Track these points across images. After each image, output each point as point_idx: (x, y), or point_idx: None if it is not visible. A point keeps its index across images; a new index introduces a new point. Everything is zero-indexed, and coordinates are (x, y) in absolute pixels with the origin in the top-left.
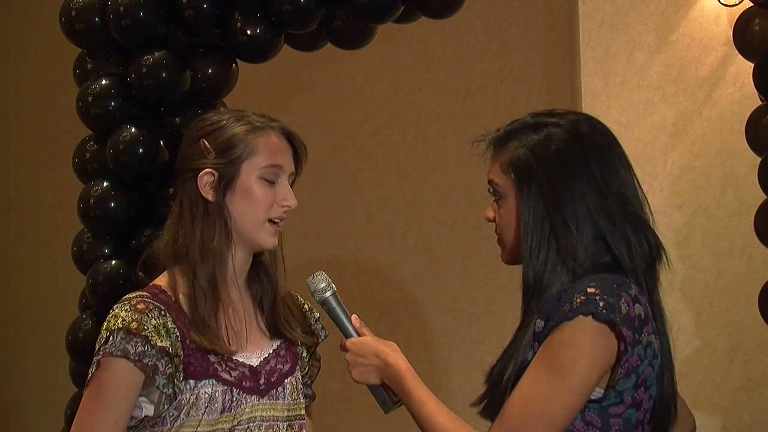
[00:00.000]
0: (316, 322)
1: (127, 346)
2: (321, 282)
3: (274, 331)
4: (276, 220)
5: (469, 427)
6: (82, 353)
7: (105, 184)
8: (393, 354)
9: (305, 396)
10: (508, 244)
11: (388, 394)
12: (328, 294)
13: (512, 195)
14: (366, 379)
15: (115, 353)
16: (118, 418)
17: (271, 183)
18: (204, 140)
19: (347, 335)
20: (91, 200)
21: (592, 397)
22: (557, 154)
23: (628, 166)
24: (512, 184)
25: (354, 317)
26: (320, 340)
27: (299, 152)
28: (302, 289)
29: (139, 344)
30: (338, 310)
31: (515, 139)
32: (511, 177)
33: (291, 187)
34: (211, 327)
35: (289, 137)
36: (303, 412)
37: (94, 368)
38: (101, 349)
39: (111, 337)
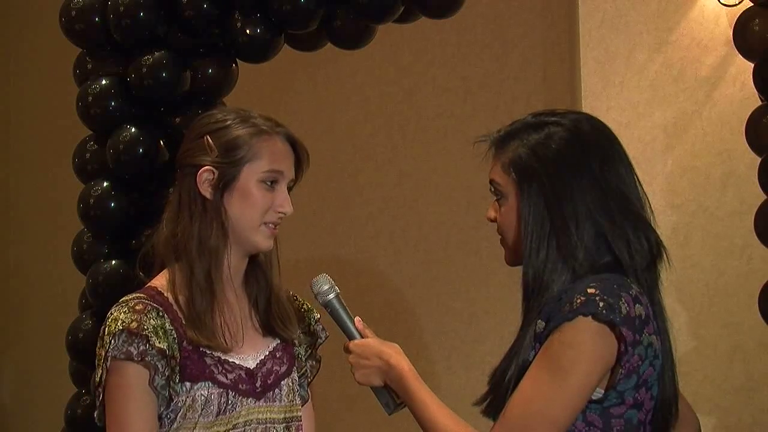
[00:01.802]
0: (315, 322)
1: (129, 347)
2: (324, 284)
3: (268, 329)
4: (271, 225)
5: (471, 428)
6: (82, 353)
7: (105, 184)
8: (396, 356)
9: (300, 397)
10: (510, 244)
11: (391, 395)
12: (331, 296)
13: (513, 194)
14: (369, 381)
15: (118, 356)
16: (147, 415)
17: (270, 188)
18: (208, 137)
19: (350, 337)
20: (91, 200)
21: (593, 398)
22: (558, 153)
23: (629, 166)
24: (513, 184)
25: (357, 319)
26: (320, 341)
27: (301, 160)
28: (303, 289)
29: (141, 344)
30: (341, 312)
31: (516, 139)
32: (512, 176)
33: (289, 192)
34: (207, 324)
35: (293, 144)
36: (300, 413)
37: (104, 374)
38: (107, 354)
39: (113, 341)
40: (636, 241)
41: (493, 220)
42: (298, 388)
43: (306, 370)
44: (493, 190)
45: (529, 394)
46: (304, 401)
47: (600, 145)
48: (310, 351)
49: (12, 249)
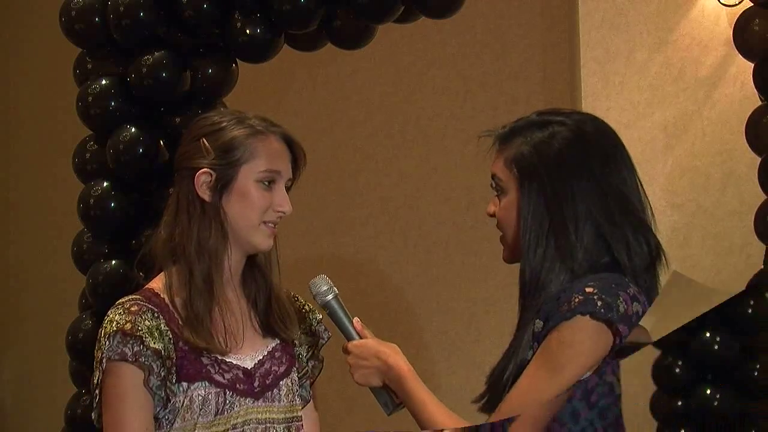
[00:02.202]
0: (318, 323)
1: (124, 348)
2: (323, 285)
3: (268, 330)
4: (270, 224)
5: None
6: (82, 353)
7: (105, 184)
8: (394, 356)
9: (300, 397)
10: (508, 240)
11: (390, 396)
12: (330, 297)
13: (514, 190)
14: (368, 381)
15: (113, 357)
16: (143, 415)
17: (268, 187)
18: (204, 140)
19: (349, 338)
20: (91, 200)
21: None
22: (560, 152)
23: (632, 168)
24: (514, 180)
25: (356, 320)
26: (323, 342)
27: (298, 159)
28: (302, 289)
29: (135, 345)
30: (340, 312)
31: (520, 136)
32: (514, 172)
33: (288, 192)
34: (205, 326)
35: (290, 143)
36: (301, 413)
37: (100, 376)
38: (102, 356)
39: (108, 342)
40: (635, 243)
41: (493, 215)
42: (298, 388)
43: (307, 371)
44: (494, 185)
45: (526, 390)
46: (304, 402)
47: (602, 147)
48: (311, 351)
49: (12, 249)
